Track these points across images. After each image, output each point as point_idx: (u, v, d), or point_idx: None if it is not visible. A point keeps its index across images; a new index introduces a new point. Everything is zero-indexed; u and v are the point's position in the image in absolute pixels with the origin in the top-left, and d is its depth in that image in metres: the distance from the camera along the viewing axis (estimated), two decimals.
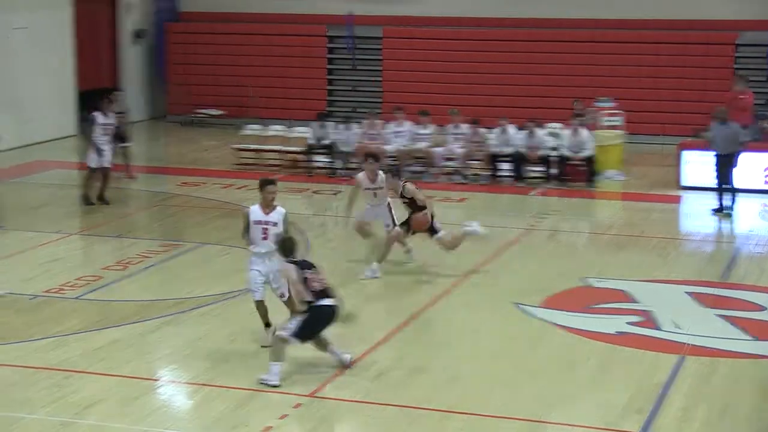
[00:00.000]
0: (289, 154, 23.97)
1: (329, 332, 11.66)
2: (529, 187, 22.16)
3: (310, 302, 11.35)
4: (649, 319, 13.74)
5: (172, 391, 11.59)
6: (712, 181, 20.12)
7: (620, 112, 23.45)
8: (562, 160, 22.40)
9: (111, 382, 11.43)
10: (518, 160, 22.48)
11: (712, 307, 14.31)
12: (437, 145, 22.97)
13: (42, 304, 14.21)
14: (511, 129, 22.72)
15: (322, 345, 11.66)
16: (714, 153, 19.85)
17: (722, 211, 19.73)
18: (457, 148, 22.79)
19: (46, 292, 14.64)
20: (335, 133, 23.49)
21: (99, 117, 19.93)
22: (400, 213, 15.86)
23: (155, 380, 11.71)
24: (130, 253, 16.80)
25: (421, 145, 23.08)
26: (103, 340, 12.74)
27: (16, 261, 16.52)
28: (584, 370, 12.05)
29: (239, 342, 12.61)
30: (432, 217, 15.49)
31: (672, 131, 25.17)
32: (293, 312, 11.66)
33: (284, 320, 11.88)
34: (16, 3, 25.94)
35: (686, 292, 14.95)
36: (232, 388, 11.30)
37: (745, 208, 20.05)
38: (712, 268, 16.59)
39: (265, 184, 12.42)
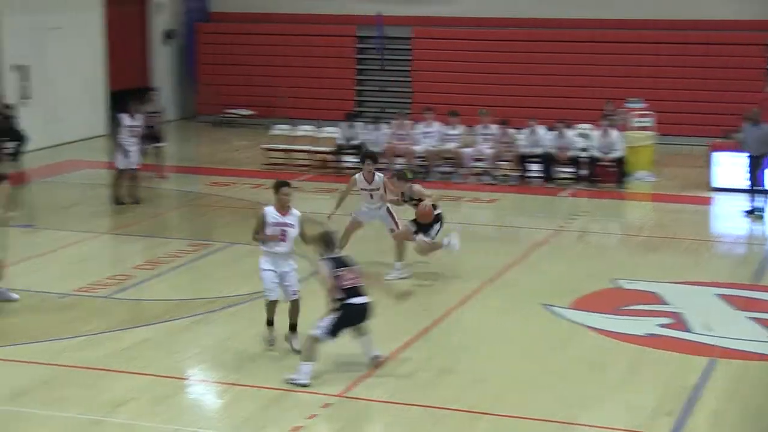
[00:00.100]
0: (318, 154, 24.01)
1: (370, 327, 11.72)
2: (558, 188, 22.10)
3: (341, 300, 11.37)
4: (679, 321, 13.66)
5: (202, 391, 11.63)
6: (744, 183, 20.00)
7: (651, 113, 23.36)
8: (592, 161, 22.32)
9: (141, 381, 11.47)
10: (548, 160, 22.42)
11: (743, 310, 14.21)
12: (466, 146, 22.94)
13: (72, 303, 14.28)
14: (541, 130, 22.67)
15: (360, 333, 11.67)
16: (746, 154, 19.73)
17: (754, 213, 19.61)
18: (487, 149, 22.75)
19: (77, 291, 14.71)
20: (364, 133, 23.52)
21: (125, 119, 19.99)
22: (406, 216, 15.79)
23: (185, 379, 11.75)
24: (160, 252, 16.86)
25: (450, 145, 23.06)
26: (132, 339, 12.80)
27: (47, 260, 16.62)
28: (614, 372, 12.00)
29: (277, 331, 12.63)
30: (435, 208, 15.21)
31: (703, 132, 25.05)
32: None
33: (318, 318, 11.88)
34: (49, 4, 26.10)
35: (717, 294, 14.85)
36: (261, 387, 11.32)
37: None
38: (743, 270, 16.48)
39: (279, 186, 12.31)
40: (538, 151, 22.44)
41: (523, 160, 22.61)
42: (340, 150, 23.55)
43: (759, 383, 11.77)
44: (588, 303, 14.36)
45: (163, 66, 30.67)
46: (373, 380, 11.55)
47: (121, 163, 19.94)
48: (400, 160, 23.04)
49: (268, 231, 12.14)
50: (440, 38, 29.06)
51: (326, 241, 11.71)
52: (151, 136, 22.05)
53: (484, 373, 11.88)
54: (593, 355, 12.54)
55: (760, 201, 19.62)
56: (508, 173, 22.77)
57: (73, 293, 14.61)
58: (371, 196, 15.58)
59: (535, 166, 22.63)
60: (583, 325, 13.55)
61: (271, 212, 12.20)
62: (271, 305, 12.32)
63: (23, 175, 23.30)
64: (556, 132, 22.53)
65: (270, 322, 12.37)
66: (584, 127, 23.27)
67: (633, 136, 22.77)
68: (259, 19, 30.66)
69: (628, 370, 12.07)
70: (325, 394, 11.10)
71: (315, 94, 29.19)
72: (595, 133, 22.62)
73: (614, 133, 22.31)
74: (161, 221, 19.82)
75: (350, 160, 23.28)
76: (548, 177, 22.44)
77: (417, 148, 23.01)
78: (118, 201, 20.05)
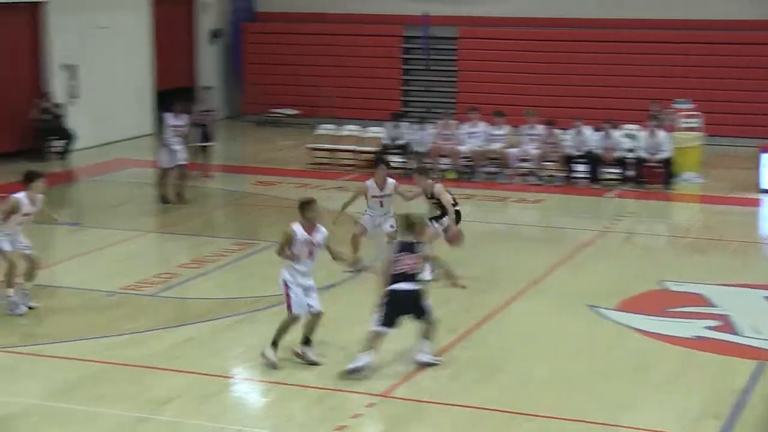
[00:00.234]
0: (363, 154, 24.02)
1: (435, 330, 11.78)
2: (604, 188, 21.97)
3: (388, 286, 11.48)
4: (727, 324, 13.52)
5: (247, 389, 11.67)
6: None
7: (699, 113, 23.16)
8: (639, 162, 22.17)
9: (186, 380, 11.52)
10: (594, 161, 22.29)
11: None
12: (512, 146, 22.86)
13: (119, 301, 14.38)
14: (587, 130, 22.55)
15: (421, 333, 11.70)
16: None
17: None
18: (532, 149, 22.66)
19: (123, 289, 14.80)
20: (409, 133, 23.51)
21: (170, 118, 20.08)
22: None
23: (230, 378, 11.79)
24: (206, 251, 16.94)
25: (496, 146, 23.00)
26: (178, 338, 12.86)
27: (93, 258, 16.75)
28: (659, 375, 11.89)
29: (313, 341, 12.63)
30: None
31: (752, 133, 24.82)
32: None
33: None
34: (98, 4, 26.32)
35: (765, 297, 14.70)
36: (306, 386, 11.33)
37: None
38: None
39: (306, 205, 11.97)
40: (585, 150, 22.31)
41: (569, 160, 22.50)
42: (385, 150, 23.53)
43: None
44: (634, 304, 14.25)
45: (209, 66, 30.84)
46: (417, 380, 11.54)
47: (165, 162, 20.05)
48: (445, 161, 23.01)
49: (296, 249, 11.80)
50: (486, 38, 28.99)
51: (405, 224, 11.81)
52: (202, 134, 22.25)
53: (529, 374, 11.83)
54: (639, 357, 12.44)
55: None
56: (554, 174, 22.67)
57: (120, 291, 14.71)
58: (381, 204, 15.38)
59: (581, 167, 22.51)
60: (628, 326, 13.45)
61: (299, 231, 11.83)
62: (293, 322, 11.93)
63: (67, 174, 23.59)
64: (603, 132, 22.40)
65: (277, 343, 11.85)
66: (631, 127, 23.13)
67: (680, 136, 22.60)
68: (305, 19, 30.74)
69: (675, 373, 11.96)
70: (369, 394, 11.10)
71: (361, 94, 29.22)
72: (642, 134, 22.47)
73: (661, 134, 22.15)
74: (207, 220, 19.92)
75: (395, 159, 23.24)
76: (594, 178, 22.31)
77: (462, 148, 22.97)
78: (164, 200, 20.16)
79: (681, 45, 27.43)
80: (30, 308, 13.67)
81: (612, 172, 22.42)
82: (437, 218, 15.00)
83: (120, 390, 11.20)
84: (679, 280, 15.46)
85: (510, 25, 28.89)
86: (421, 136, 23.38)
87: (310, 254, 11.90)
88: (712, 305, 14.30)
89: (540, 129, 22.78)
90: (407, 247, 11.66)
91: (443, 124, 23.51)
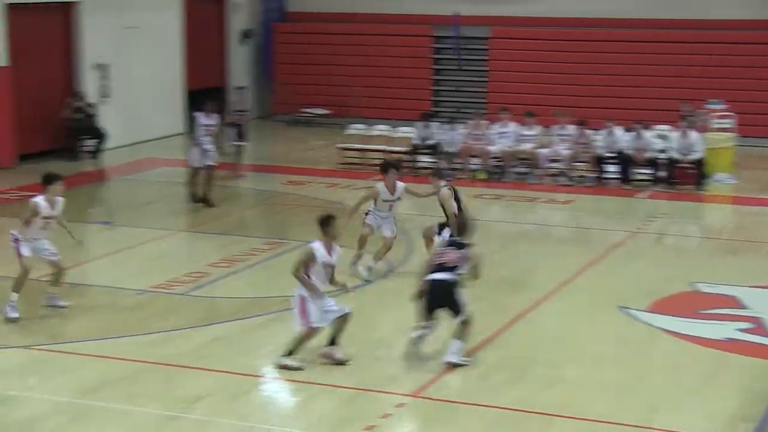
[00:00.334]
0: (394, 154, 23.97)
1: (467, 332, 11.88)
2: (636, 189, 21.86)
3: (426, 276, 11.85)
4: (759, 326, 13.42)
5: (277, 388, 11.67)
6: None
7: (731, 114, 23.01)
8: (671, 163, 22.05)
9: (216, 378, 11.54)
10: (625, 161, 22.18)
11: None
12: (542, 147, 22.79)
13: (149, 299, 14.43)
14: (618, 131, 22.44)
15: (456, 330, 11.82)
16: None
17: None
18: (563, 150, 22.58)
19: (154, 287, 14.86)
20: (440, 133, 23.48)
21: (201, 117, 20.10)
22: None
23: (259, 377, 11.80)
24: (236, 250, 16.97)
25: (526, 146, 22.93)
26: (208, 337, 12.89)
27: (124, 257, 16.82)
28: (691, 377, 11.81)
29: (343, 341, 12.61)
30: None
31: None
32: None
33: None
34: (130, 3, 26.44)
35: None
36: (335, 386, 11.33)
37: None
38: None
39: (328, 221, 11.84)
40: (616, 149, 22.22)
41: (600, 161, 22.40)
42: (415, 150, 23.52)
43: None
44: (666, 306, 14.17)
45: (240, 65, 30.91)
46: (446, 380, 11.52)
47: (196, 161, 20.07)
48: (475, 161, 22.96)
49: (313, 271, 11.69)
50: (517, 38, 28.91)
51: (459, 225, 12.22)
52: (236, 134, 22.35)
53: (559, 375, 11.77)
54: (670, 359, 12.37)
55: None
56: (585, 174, 22.57)
57: (150, 290, 14.76)
58: (390, 207, 15.31)
59: (612, 168, 22.40)
60: (660, 328, 13.37)
61: (320, 250, 11.69)
62: (313, 335, 11.80)
63: (98, 173, 23.71)
64: (634, 133, 22.29)
65: (293, 353, 11.76)
66: (663, 128, 23.01)
67: (713, 137, 22.47)
68: (335, 19, 30.76)
69: (706, 375, 11.88)
70: (399, 394, 11.08)
71: (391, 94, 29.22)
72: (674, 135, 22.35)
73: (693, 135, 22.03)
74: (237, 219, 19.96)
75: (425, 160, 23.24)
76: (626, 178, 22.20)
77: (492, 148, 22.92)
78: (194, 199, 20.21)
79: (714, 45, 27.24)
80: (61, 307, 13.72)
81: (644, 172, 22.31)
82: (446, 225, 14.88)
83: (150, 388, 11.24)
84: (711, 281, 15.36)
85: (541, 25, 28.81)
86: (451, 136, 23.35)
87: (330, 277, 11.84)
88: (744, 307, 14.19)
89: (571, 129, 22.69)
90: (455, 244, 11.98)
91: (474, 124, 23.46)
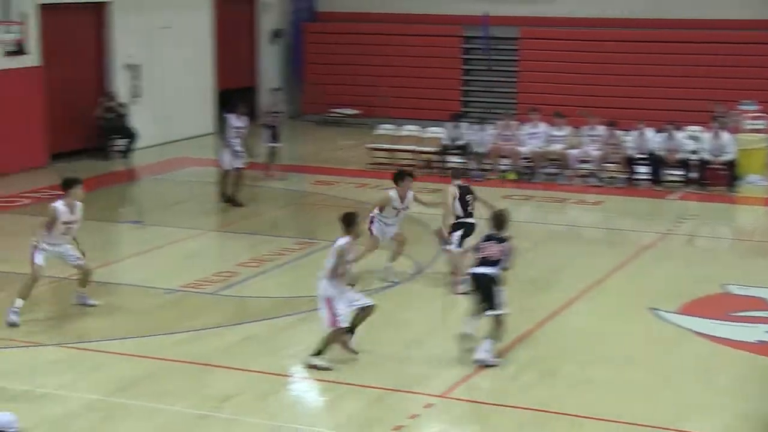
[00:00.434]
0: (423, 155, 23.98)
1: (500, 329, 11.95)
2: (666, 190, 21.74)
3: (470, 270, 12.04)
4: None
5: (305, 388, 11.69)
6: None
7: (764, 115, 22.84)
8: (702, 164, 21.93)
9: (245, 378, 11.58)
10: (656, 162, 22.07)
11: None
12: (572, 147, 22.71)
13: (179, 298, 14.49)
14: (649, 132, 22.33)
15: (490, 329, 11.89)
16: None
17: None
18: (593, 151, 22.49)
19: (183, 287, 14.91)
20: (469, 133, 23.44)
21: (232, 119, 20.13)
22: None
23: (288, 376, 11.82)
24: (265, 250, 17.00)
25: (556, 147, 22.85)
26: (237, 336, 12.92)
27: (154, 256, 16.88)
28: (721, 380, 11.74)
29: (371, 341, 12.64)
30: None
31: None
32: None
33: None
34: (161, 3, 26.55)
35: None
36: (363, 386, 11.34)
37: None
38: None
39: (355, 218, 12.07)
40: (647, 150, 22.11)
41: (631, 162, 22.29)
42: (444, 150, 23.50)
43: None
44: (696, 308, 14.09)
45: (270, 65, 30.98)
46: (475, 381, 11.50)
47: (226, 163, 20.09)
48: (505, 161, 22.92)
49: (341, 269, 11.78)
50: (547, 38, 28.82)
51: (496, 220, 12.28)
52: (271, 135, 22.43)
53: (588, 376, 11.73)
54: (700, 362, 12.30)
55: None
56: (615, 175, 22.47)
57: (180, 289, 14.81)
58: (397, 214, 15.21)
59: (642, 168, 22.29)
60: (690, 330, 13.30)
61: (348, 248, 11.86)
62: (341, 334, 11.87)
63: (129, 173, 23.82)
64: (666, 134, 22.17)
65: (322, 353, 11.79)
66: (694, 129, 22.88)
67: (745, 138, 22.31)
68: (365, 19, 30.77)
69: (737, 378, 11.80)
70: (427, 395, 11.08)
71: (420, 94, 29.19)
72: (706, 135, 22.22)
73: (725, 136, 21.90)
74: (267, 219, 19.99)
75: (455, 160, 23.20)
76: (656, 179, 22.08)
77: (522, 149, 22.86)
78: (225, 199, 20.25)
79: (746, 45, 27.05)
80: (91, 306, 13.80)
81: (675, 173, 22.19)
82: (458, 224, 14.84)
83: (180, 387, 11.28)
84: (743, 283, 15.25)
85: (571, 26, 28.70)
86: (481, 136, 23.31)
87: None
88: None
89: (601, 130, 22.60)
90: (494, 238, 12.06)
91: (503, 124, 23.41)
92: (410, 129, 25.02)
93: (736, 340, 12.91)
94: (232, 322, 13.44)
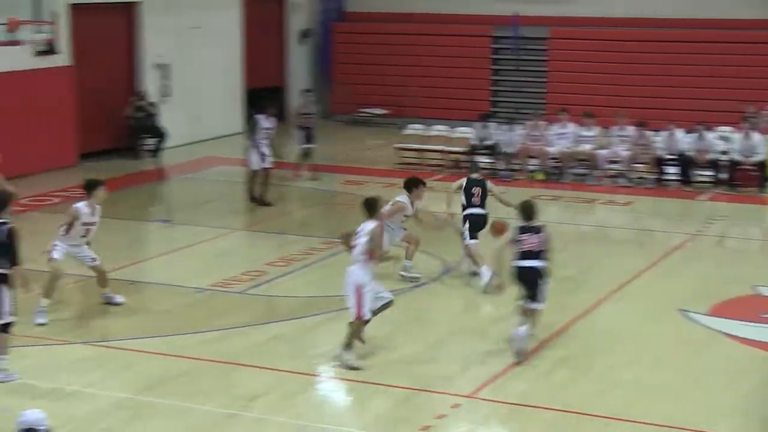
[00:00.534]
0: (452, 154, 23.95)
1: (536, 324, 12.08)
2: (696, 191, 21.62)
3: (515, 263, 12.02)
4: None
5: (332, 388, 11.69)
6: None
7: None
8: (733, 165, 21.79)
9: (273, 377, 11.59)
10: (686, 163, 21.94)
11: None
12: (602, 148, 22.61)
13: (208, 297, 14.52)
14: (679, 133, 22.21)
15: (527, 317, 11.98)
16: None
17: None
18: (622, 151, 22.39)
19: (212, 286, 14.95)
20: (498, 133, 23.39)
21: (262, 120, 20.16)
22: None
23: (315, 376, 11.82)
24: (293, 249, 17.02)
25: (585, 147, 22.76)
26: (265, 335, 12.94)
27: (183, 255, 16.94)
28: (752, 382, 11.65)
29: (399, 341, 12.64)
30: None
31: None
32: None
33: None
34: (190, 3, 26.64)
35: None
36: (391, 386, 11.33)
37: None
38: None
39: (374, 204, 12.30)
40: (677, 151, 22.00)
41: (660, 162, 22.18)
42: (473, 150, 23.45)
43: None
44: (726, 309, 13.99)
45: (298, 65, 31.02)
46: (503, 381, 11.47)
47: (254, 163, 20.11)
48: (533, 162, 22.85)
49: (378, 251, 11.92)
50: (577, 38, 28.71)
51: (525, 211, 12.29)
52: (305, 137, 22.47)
53: (617, 377, 11.68)
54: (730, 364, 12.21)
55: None
56: (645, 176, 22.36)
57: (209, 288, 14.85)
58: (402, 221, 15.14)
59: (672, 169, 22.16)
60: (720, 332, 13.21)
61: (378, 229, 12.06)
62: (364, 324, 11.97)
63: (158, 172, 23.91)
64: (696, 134, 22.05)
65: (351, 345, 11.87)
66: (725, 129, 22.73)
67: None
68: (394, 19, 30.76)
69: (767, 381, 11.71)
70: (455, 395, 11.06)
71: (449, 94, 29.14)
72: (736, 136, 22.08)
73: (756, 136, 21.75)
74: (295, 218, 20.03)
75: (484, 160, 23.12)
76: (686, 180, 21.96)
77: (551, 149, 22.79)
78: (253, 199, 20.29)
79: None
80: (117, 304, 13.85)
81: (705, 174, 22.05)
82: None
83: (209, 386, 11.31)
84: None
85: (601, 26, 28.57)
86: (509, 136, 23.25)
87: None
88: None
89: (631, 130, 22.50)
90: (529, 230, 12.07)
91: (532, 124, 23.34)
92: (439, 129, 24.99)
93: (767, 343, 12.80)
94: (260, 322, 13.47)
